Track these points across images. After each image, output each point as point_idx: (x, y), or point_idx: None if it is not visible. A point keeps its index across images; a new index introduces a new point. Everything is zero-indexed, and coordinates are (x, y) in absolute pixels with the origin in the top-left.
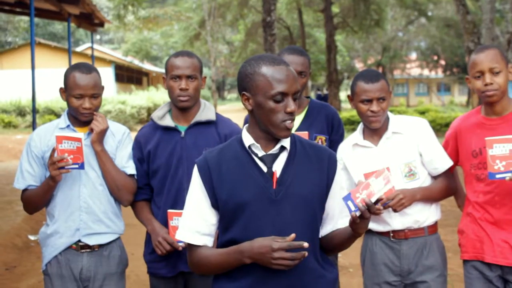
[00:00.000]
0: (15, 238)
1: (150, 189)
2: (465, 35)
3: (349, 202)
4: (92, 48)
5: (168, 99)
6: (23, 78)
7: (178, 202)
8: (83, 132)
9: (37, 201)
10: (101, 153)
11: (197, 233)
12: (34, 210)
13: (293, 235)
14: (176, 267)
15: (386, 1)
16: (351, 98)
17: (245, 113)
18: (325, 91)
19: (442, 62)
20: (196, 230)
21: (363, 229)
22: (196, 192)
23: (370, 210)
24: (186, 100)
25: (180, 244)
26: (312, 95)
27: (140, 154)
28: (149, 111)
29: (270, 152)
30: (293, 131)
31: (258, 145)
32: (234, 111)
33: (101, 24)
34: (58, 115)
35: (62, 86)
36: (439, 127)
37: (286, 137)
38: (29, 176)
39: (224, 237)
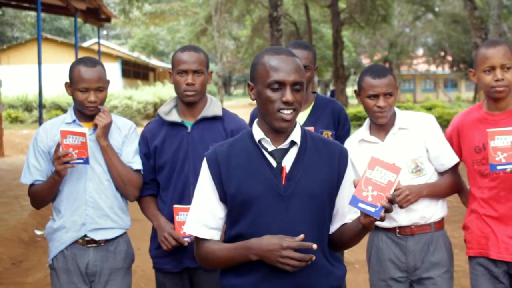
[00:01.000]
0: (22, 233)
1: (157, 184)
2: (472, 31)
3: (362, 205)
4: (98, 43)
5: (174, 95)
6: (29, 73)
7: (184, 197)
8: (89, 126)
9: (44, 195)
10: (106, 148)
11: (204, 227)
12: (41, 204)
13: (302, 235)
14: (181, 262)
15: None
16: (358, 93)
17: (251, 108)
18: (331, 87)
19: (449, 58)
20: (203, 223)
21: (373, 224)
22: (205, 185)
23: (393, 202)
24: (192, 95)
25: (186, 239)
26: (319, 90)
27: (147, 149)
28: (156, 106)
29: (280, 146)
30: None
31: (268, 139)
32: (241, 106)
33: (108, 19)
34: (64, 110)
35: (68, 80)
36: (445, 123)
37: (283, 128)
38: (35, 171)
39: (231, 232)
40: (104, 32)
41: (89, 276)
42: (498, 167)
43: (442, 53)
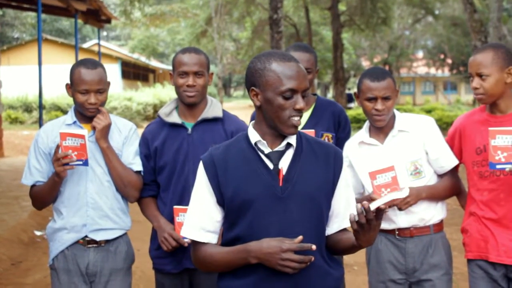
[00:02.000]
0: (21, 234)
1: (157, 185)
2: (472, 34)
3: (386, 198)
4: (99, 44)
5: (174, 96)
6: (30, 74)
7: (185, 198)
8: (89, 127)
9: (44, 196)
10: (107, 150)
11: (202, 230)
12: (42, 205)
13: (300, 237)
14: (181, 263)
15: None
16: (357, 96)
17: (251, 110)
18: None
19: (449, 61)
20: (201, 226)
21: (367, 243)
22: (202, 188)
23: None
24: (193, 96)
25: (186, 240)
26: (319, 92)
27: (147, 150)
28: (155, 108)
29: (276, 149)
30: (299, 128)
31: (265, 142)
32: (240, 108)
33: (108, 21)
34: (64, 111)
35: (68, 82)
36: (445, 126)
37: (292, 134)
38: (36, 172)
39: (229, 234)
40: (104, 33)
41: (89, 276)
42: (497, 166)
43: (442, 56)
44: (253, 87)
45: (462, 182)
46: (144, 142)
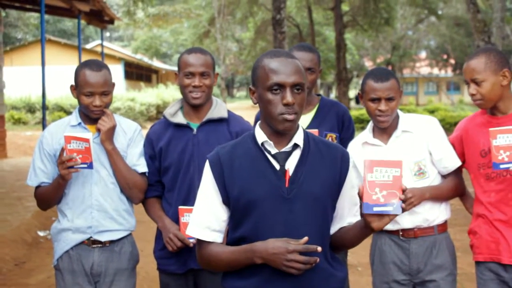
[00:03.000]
0: (25, 234)
1: (161, 186)
2: (475, 34)
3: (378, 208)
4: (102, 45)
5: (177, 97)
6: (33, 74)
7: (190, 199)
8: (94, 129)
9: (49, 198)
10: (112, 152)
11: (207, 229)
12: (47, 206)
13: (306, 238)
14: (186, 263)
15: None
16: (361, 96)
17: (254, 110)
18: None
19: (452, 61)
20: (206, 225)
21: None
22: (207, 187)
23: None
24: (199, 97)
25: (191, 240)
26: (322, 93)
27: (152, 151)
28: (158, 108)
29: (283, 149)
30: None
31: (271, 142)
32: (243, 108)
33: (111, 21)
34: (67, 112)
35: (73, 83)
36: (448, 126)
37: (285, 129)
38: (41, 173)
39: (234, 234)
40: (107, 34)
41: (94, 276)
42: (501, 166)
43: (445, 56)
44: (251, 86)
45: (465, 185)
46: (149, 143)
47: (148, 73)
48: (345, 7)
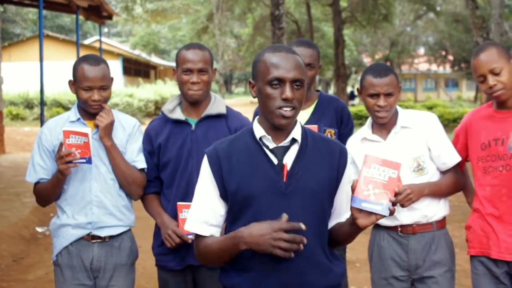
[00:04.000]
0: (23, 230)
1: (160, 182)
2: (473, 30)
3: (366, 204)
4: (100, 41)
5: (175, 92)
6: (31, 70)
7: (188, 195)
8: (93, 125)
9: (48, 194)
10: (110, 148)
11: (205, 224)
12: (46, 202)
13: (286, 216)
14: (184, 260)
15: None
16: (360, 92)
17: (252, 107)
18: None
19: (450, 57)
20: (204, 220)
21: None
22: (205, 182)
23: (398, 200)
24: (197, 93)
25: (190, 236)
26: (320, 89)
27: (151, 147)
28: (157, 104)
29: (281, 144)
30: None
31: (269, 137)
32: (242, 104)
33: (109, 17)
34: (66, 108)
35: (71, 78)
36: (446, 123)
37: (282, 126)
38: (40, 169)
39: (231, 229)
40: (106, 30)
41: (93, 271)
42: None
43: (443, 52)
44: (250, 79)
45: (469, 180)
46: (148, 139)
47: (146, 69)
48: (343, 3)
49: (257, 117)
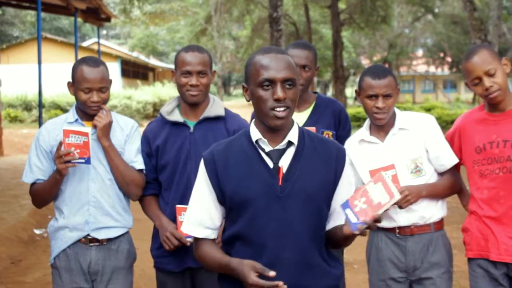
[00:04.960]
0: (21, 232)
1: (158, 184)
2: (472, 32)
3: (349, 211)
4: (98, 43)
5: (174, 94)
6: (29, 72)
7: (187, 197)
8: (91, 125)
9: (45, 194)
10: (108, 148)
11: (201, 226)
12: (43, 204)
13: (273, 273)
14: (183, 262)
15: None
16: (358, 93)
17: (251, 108)
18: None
19: (449, 59)
20: (200, 223)
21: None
22: (202, 185)
23: (379, 221)
24: (196, 96)
25: (188, 239)
26: (319, 91)
27: (149, 149)
28: (155, 106)
29: (277, 147)
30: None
31: (265, 140)
32: (240, 106)
33: (108, 19)
34: (64, 110)
35: (70, 80)
36: (445, 124)
37: (277, 126)
38: (37, 170)
39: (229, 231)
40: (104, 32)
41: (91, 275)
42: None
43: (442, 54)
44: (244, 83)
45: (463, 182)
46: (146, 141)
47: (145, 71)
48: (342, 5)
49: (254, 120)
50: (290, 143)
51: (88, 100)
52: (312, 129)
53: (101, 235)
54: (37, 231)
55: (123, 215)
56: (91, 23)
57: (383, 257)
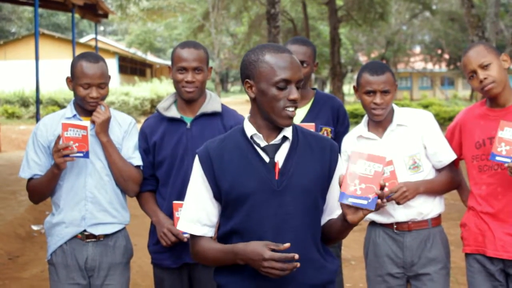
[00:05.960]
0: (18, 228)
1: (156, 180)
2: (469, 29)
3: (353, 199)
4: (96, 39)
5: (171, 91)
6: (26, 68)
7: (184, 193)
8: (89, 121)
9: (42, 189)
10: (106, 144)
11: (198, 223)
12: (40, 199)
13: (287, 244)
14: (180, 258)
15: None
16: (356, 89)
17: (248, 105)
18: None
19: (446, 56)
20: (197, 220)
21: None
22: (198, 183)
23: (383, 196)
24: (192, 92)
25: (185, 235)
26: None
27: (146, 145)
28: (153, 102)
29: (272, 142)
30: (298, 122)
31: (260, 135)
32: (238, 103)
33: (105, 15)
34: (61, 106)
35: (69, 75)
36: (442, 121)
37: (287, 125)
38: (35, 165)
39: (225, 227)
40: (101, 28)
41: (88, 271)
42: (497, 158)
43: (439, 51)
44: (247, 79)
45: (463, 178)
46: (143, 137)
47: (142, 67)
48: (339, 2)
49: (247, 116)
50: (284, 138)
51: (87, 96)
52: (311, 125)
53: (97, 231)
54: (34, 227)
55: (120, 211)
56: (88, 19)
57: (380, 253)
